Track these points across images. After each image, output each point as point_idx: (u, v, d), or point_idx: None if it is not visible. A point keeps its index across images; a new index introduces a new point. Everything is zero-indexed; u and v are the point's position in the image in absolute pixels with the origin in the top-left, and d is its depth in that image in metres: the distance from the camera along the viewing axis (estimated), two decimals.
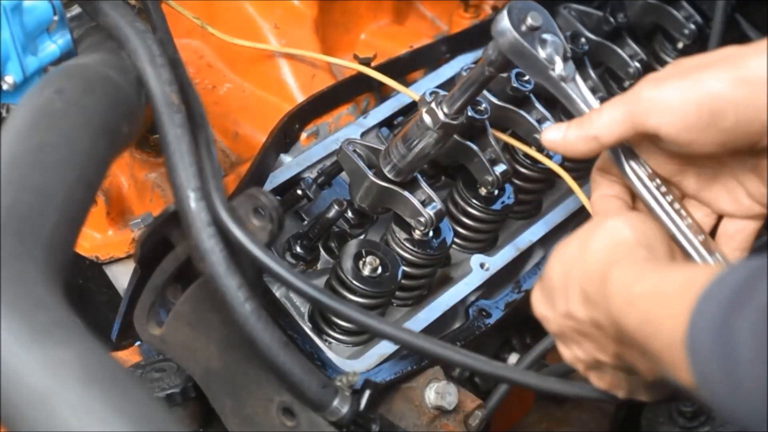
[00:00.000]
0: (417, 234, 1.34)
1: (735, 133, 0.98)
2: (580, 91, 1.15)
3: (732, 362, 0.77)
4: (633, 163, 1.10)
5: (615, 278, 0.92)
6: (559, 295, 1.00)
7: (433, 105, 1.26)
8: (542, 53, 1.13)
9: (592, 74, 1.57)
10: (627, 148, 1.10)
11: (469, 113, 1.37)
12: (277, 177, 1.40)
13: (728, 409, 0.81)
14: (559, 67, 1.13)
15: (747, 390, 0.77)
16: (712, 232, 1.12)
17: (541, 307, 1.04)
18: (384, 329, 1.10)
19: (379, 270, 1.31)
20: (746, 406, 0.78)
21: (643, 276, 0.91)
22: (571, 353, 1.05)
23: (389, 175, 1.32)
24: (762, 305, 0.76)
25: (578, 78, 1.15)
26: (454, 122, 1.26)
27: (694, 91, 0.97)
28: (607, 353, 1.00)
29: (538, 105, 1.47)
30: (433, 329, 1.36)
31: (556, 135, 1.10)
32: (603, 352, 1.00)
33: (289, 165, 1.42)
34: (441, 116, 1.25)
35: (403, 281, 1.34)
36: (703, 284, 0.82)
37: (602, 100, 1.55)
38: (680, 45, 1.67)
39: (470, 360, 1.08)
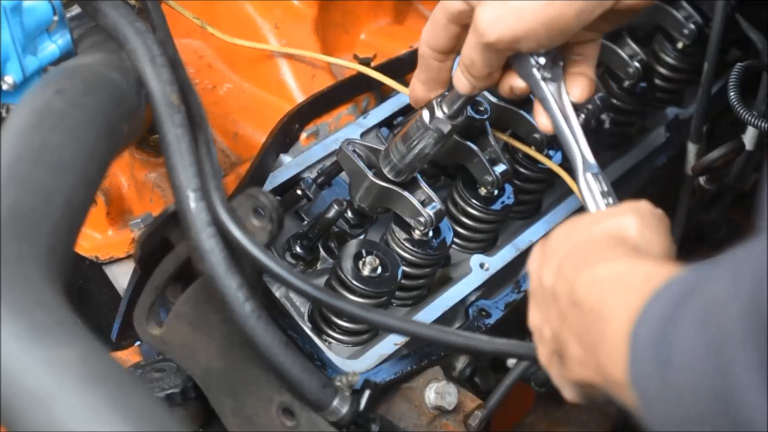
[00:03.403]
0: (417, 234, 1.34)
1: (582, 26, 1.09)
2: (559, 95, 1.15)
3: (668, 356, 0.76)
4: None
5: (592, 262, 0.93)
6: (548, 257, 0.99)
7: (433, 105, 1.26)
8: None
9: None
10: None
11: (469, 113, 1.37)
12: (277, 177, 1.40)
13: (656, 411, 0.79)
14: (541, 66, 1.13)
15: (679, 386, 0.75)
16: None
17: (532, 261, 1.03)
18: (387, 322, 1.12)
19: (379, 270, 1.31)
20: (675, 404, 0.76)
21: (615, 260, 0.91)
22: (531, 317, 1.03)
23: (389, 176, 1.32)
24: (708, 302, 0.73)
25: (563, 85, 1.15)
26: (454, 122, 1.26)
27: (543, 14, 1.07)
28: (549, 326, 0.98)
29: None
30: None
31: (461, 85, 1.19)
32: (548, 324, 0.99)
33: (288, 165, 1.42)
34: (440, 116, 1.25)
35: (402, 281, 1.34)
36: (664, 279, 0.81)
37: (602, 100, 1.57)
38: (680, 45, 1.67)
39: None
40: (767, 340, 0.63)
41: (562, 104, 1.14)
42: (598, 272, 0.90)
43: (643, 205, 0.99)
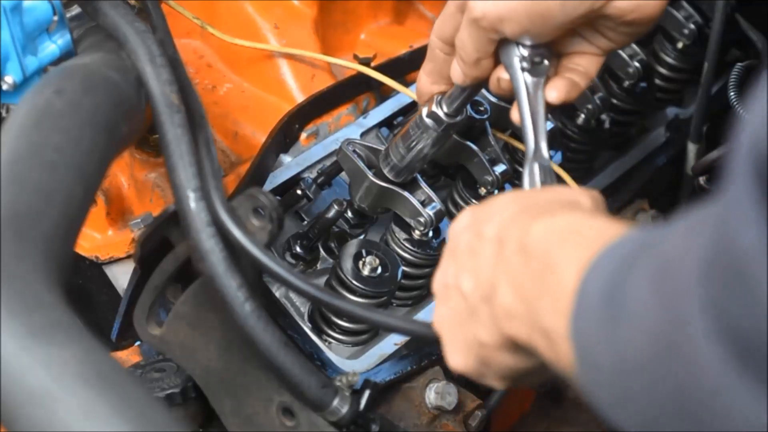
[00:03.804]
0: (417, 234, 1.34)
1: (568, 22, 1.10)
2: (535, 90, 1.15)
3: (616, 309, 0.73)
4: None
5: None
6: (490, 215, 0.96)
7: (432, 104, 1.26)
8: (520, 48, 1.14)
9: None
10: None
11: (469, 113, 1.37)
12: (277, 177, 1.40)
13: (595, 365, 0.76)
14: (524, 57, 1.14)
15: (625, 339, 0.72)
16: None
17: (461, 221, 0.99)
18: (387, 321, 1.12)
19: (379, 270, 1.31)
20: (618, 357, 0.73)
21: (572, 214, 0.89)
22: (443, 272, 0.99)
23: (389, 176, 1.32)
24: (662, 258, 0.71)
25: (542, 82, 1.15)
26: (454, 121, 1.26)
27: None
28: (475, 276, 0.93)
29: None
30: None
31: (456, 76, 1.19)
32: (471, 275, 0.94)
33: (288, 165, 1.42)
34: (441, 115, 1.25)
35: (402, 281, 1.34)
36: (618, 234, 0.80)
37: (602, 100, 1.57)
38: (680, 45, 1.67)
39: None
40: (721, 294, 0.63)
41: (535, 99, 1.14)
42: (557, 222, 0.87)
43: (596, 192, 0.98)
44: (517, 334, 0.88)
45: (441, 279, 1.00)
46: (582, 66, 1.18)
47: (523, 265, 0.87)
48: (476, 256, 0.94)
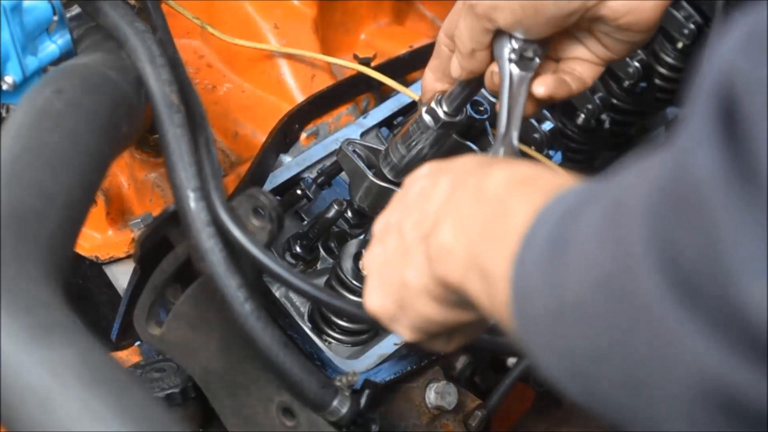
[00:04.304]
0: None
1: (560, 17, 1.10)
2: (520, 83, 1.15)
3: (561, 252, 0.71)
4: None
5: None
6: (452, 165, 0.94)
7: (432, 103, 1.26)
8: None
9: None
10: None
11: (469, 113, 1.37)
12: (277, 177, 1.40)
13: (532, 306, 0.74)
14: (514, 50, 1.14)
15: (568, 280, 0.70)
16: None
17: (416, 175, 0.98)
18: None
19: None
20: (556, 297, 0.71)
21: (530, 165, 0.88)
22: (387, 216, 0.98)
23: (389, 176, 1.32)
24: (610, 203, 0.69)
25: (529, 77, 1.15)
26: (454, 120, 1.26)
27: None
28: (425, 216, 0.91)
29: None
30: None
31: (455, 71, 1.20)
32: (421, 215, 0.91)
33: (288, 165, 1.42)
34: (440, 114, 1.25)
35: None
36: (570, 184, 0.79)
37: (602, 100, 1.57)
38: (680, 45, 1.67)
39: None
40: (669, 225, 0.61)
41: (517, 91, 1.15)
42: (516, 170, 0.86)
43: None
44: (448, 274, 0.86)
45: (384, 220, 0.99)
46: (577, 71, 1.18)
47: (473, 208, 0.85)
48: (426, 198, 0.92)
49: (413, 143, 1.28)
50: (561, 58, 1.18)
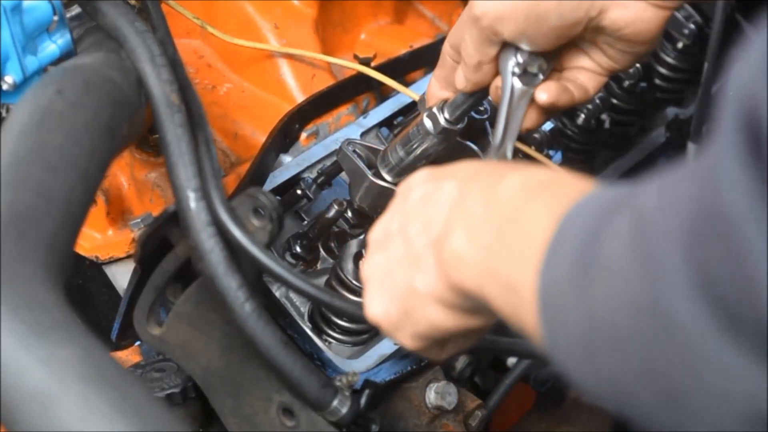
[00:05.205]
0: None
1: (563, 27, 1.10)
2: (522, 95, 1.15)
3: (589, 264, 0.70)
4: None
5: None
6: (451, 170, 0.93)
7: (434, 108, 1.26)
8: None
9: None
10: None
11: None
12: (277, 177, 1.40)
13: (563, 321, 0.73)
14: (519, 63, 1.14)
15: (598, 296, 0.70)
16: None
17: (416, 177, 0.96)
18: None
19: None
20: (587, 313, 0.70)
21: (544, 170, 0.87)
22: (386, 221, 0.96)
23: (387, 177, 1.32)
24: (636, 215, 0.68)
25: (531, 90, 1.16)
26: (454, 128, 1.26)
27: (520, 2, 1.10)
28: (433, 221, 0.89)
29: None
30: None
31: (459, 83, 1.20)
32: (428, 220, 0.90)
33: (288, 165, 1.42)
34: (441, 120, 1.25)
35: None
36: (590, 190, 0.78)
37: (602, 100, 1.57)
38: (680, 45, 1.67)
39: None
40: (703, 251, 0.61)
41: (517, 105, 1.15)
42: (530, 175, 0.85)
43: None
44: (463, 280, 0.85)
45: (382, 227, 0.97)
46: (580, 80, 1.18)
47: (484, 214, 0.84)
48: (431, 203, 0.90)
49: (413, 147, 1.28)
50: (564, 67, 1.19)
